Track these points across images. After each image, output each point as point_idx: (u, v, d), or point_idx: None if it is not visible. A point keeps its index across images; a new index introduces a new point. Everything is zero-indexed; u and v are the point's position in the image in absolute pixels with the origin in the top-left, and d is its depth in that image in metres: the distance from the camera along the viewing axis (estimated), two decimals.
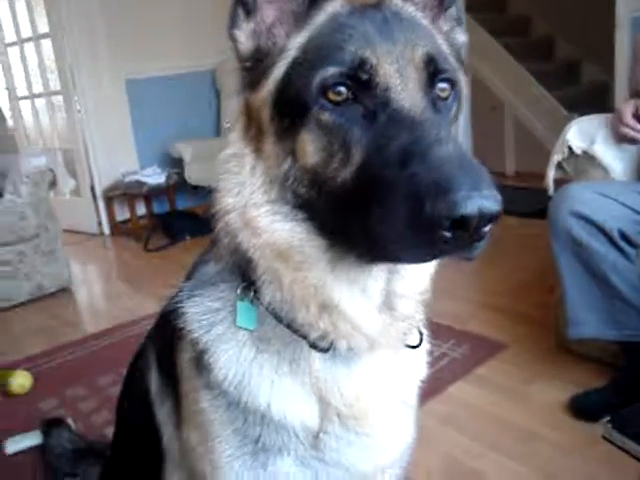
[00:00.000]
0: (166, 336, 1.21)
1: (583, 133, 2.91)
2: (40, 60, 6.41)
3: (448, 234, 0.76)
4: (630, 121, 2.68)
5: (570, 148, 2.91)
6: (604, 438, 2.32)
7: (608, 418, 2.23)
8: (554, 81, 6.77)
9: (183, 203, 6.45)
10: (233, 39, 1.04)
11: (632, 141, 2.73)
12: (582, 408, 2.53)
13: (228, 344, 1.08)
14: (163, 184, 6.04)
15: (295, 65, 0.99)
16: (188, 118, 6.61)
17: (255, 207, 1.01)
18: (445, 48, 1.06)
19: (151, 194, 6.10)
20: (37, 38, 6.33)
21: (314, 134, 0.94)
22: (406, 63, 0.94)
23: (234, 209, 1.03)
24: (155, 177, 5.98)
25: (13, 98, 6.93)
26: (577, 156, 2.93)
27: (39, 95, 6.67)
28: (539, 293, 3.62)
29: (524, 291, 3.84)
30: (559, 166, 3.03)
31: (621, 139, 2.77)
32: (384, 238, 0.83)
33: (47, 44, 6.20)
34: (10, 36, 6.69)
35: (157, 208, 6.38)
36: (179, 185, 6.24)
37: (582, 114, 6.18)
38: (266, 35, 1.04)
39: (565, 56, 7.62)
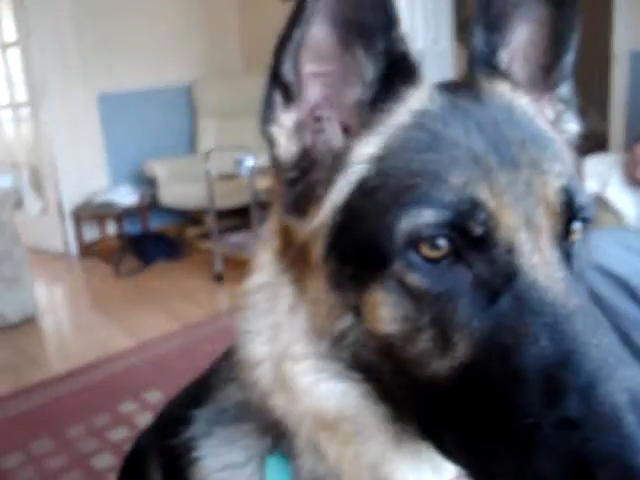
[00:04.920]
0: (176, 468, 0.92)
1: (594, 175, 2.76)
2: (7, 70, 6.07)
3: None
4: None
5: None
6: None
7: None
8: None
9: (156, 224, 6.15)
10: (268, 138, 0.74)
11: None
12: None
13: None
14: (135, 204, 5.76)
15: (366, 190, 0.69)
16: (162, 135, 6.33)
17: (295, 360, 0.75)
18: (571, 161, 0.76)
19: (123, 214, 5.81)
20: (4, 47, 5.99)
21: (394, 297, 0.66)
22: (535, 203, 0.65)
23: (265, 360, 0.77)
24: (127, 197, 5.69)
25: None
26: None
27: (5, 106, 6.32)
28: None
29: None
30: None
31: (637, 183, 2.63)
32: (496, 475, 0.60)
33: (14, 53, 5.86)
34: None
35: (128, 228, 6.07)
36: (152, 205, 5.96)
37: None
38: (311, 129, 0.74)
39: None
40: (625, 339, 2.28)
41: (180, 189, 5.71)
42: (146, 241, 5.66)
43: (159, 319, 4.19)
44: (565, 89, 0.84)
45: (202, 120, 6.40)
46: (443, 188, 0.63)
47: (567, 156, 0.75)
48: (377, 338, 0.68)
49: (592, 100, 5.88)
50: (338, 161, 0.72)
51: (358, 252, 0.68)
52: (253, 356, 0.78)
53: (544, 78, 0.82)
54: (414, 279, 0.64)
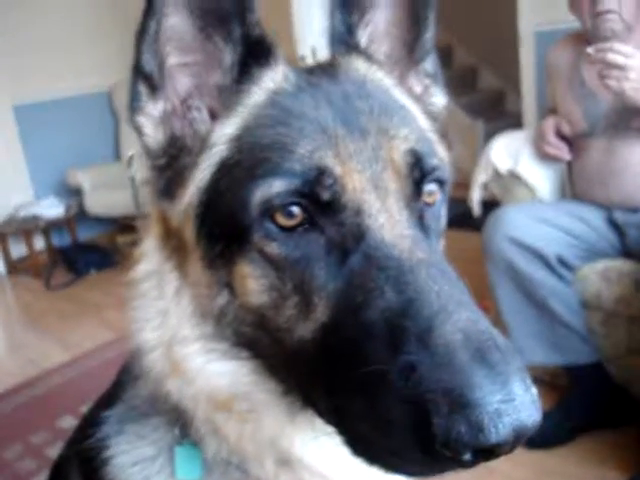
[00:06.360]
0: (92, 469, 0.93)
1: (507, 152, 2.87)
2: None
3: (465, 458, 0.56)
4: (553, 139, 2.66)
5: (495, 168, 2.86)
6: None
7: None
8: (455, 89, 6.88)
9: (85, 234, 6.01)
10: (136, 128, 0.77)
11: (556, 159, 2.72)
12: (533, 435, 2.43)
13: None
14: (62, 216, 5.61)
15: (225, 169, 0.73)
16: (85, 143, 6.18)
17: (184, 343, 0.77)
18: (426, 126, 0.82)
19: (49, 227, 5.65)
20: None
21: (258, 268, 0.70)
22: (382, 167, 0.70)
23: (156, 346, 0.79)
24: (53, 209, 5.53)
25: None
26: (501, 176, 2.89)
27: None
28: None
29: None
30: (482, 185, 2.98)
31: (545, 157, 2.74)
32: (365, 438, 0.63)
33: None
34: None
35: (57, 241, 5.92)
36: (79, 215, 5.82)
37: (485, 120, 6.40)
38: (182, 118, 0.77)
39: (463, 63, 7.78)
40: (545, 308, 2.39)
41: (106, 197, 5.60)
42: (76, 252, 5.54)
43: (95, 330, 4.11)
44: (429, 64, 0.89)
45: (125, 125, 6.29)
46: (291, 158, 0.68)
47: (420, 122, 0.80)
48: (250, 311, 0.72)
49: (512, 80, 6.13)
50: (203, 144, 0.75)
51: (222, 229, 0.72)
52: (145, 344, 0.80)
53: (408, 54, 0.87)
54: (273, 248, 0.69)
